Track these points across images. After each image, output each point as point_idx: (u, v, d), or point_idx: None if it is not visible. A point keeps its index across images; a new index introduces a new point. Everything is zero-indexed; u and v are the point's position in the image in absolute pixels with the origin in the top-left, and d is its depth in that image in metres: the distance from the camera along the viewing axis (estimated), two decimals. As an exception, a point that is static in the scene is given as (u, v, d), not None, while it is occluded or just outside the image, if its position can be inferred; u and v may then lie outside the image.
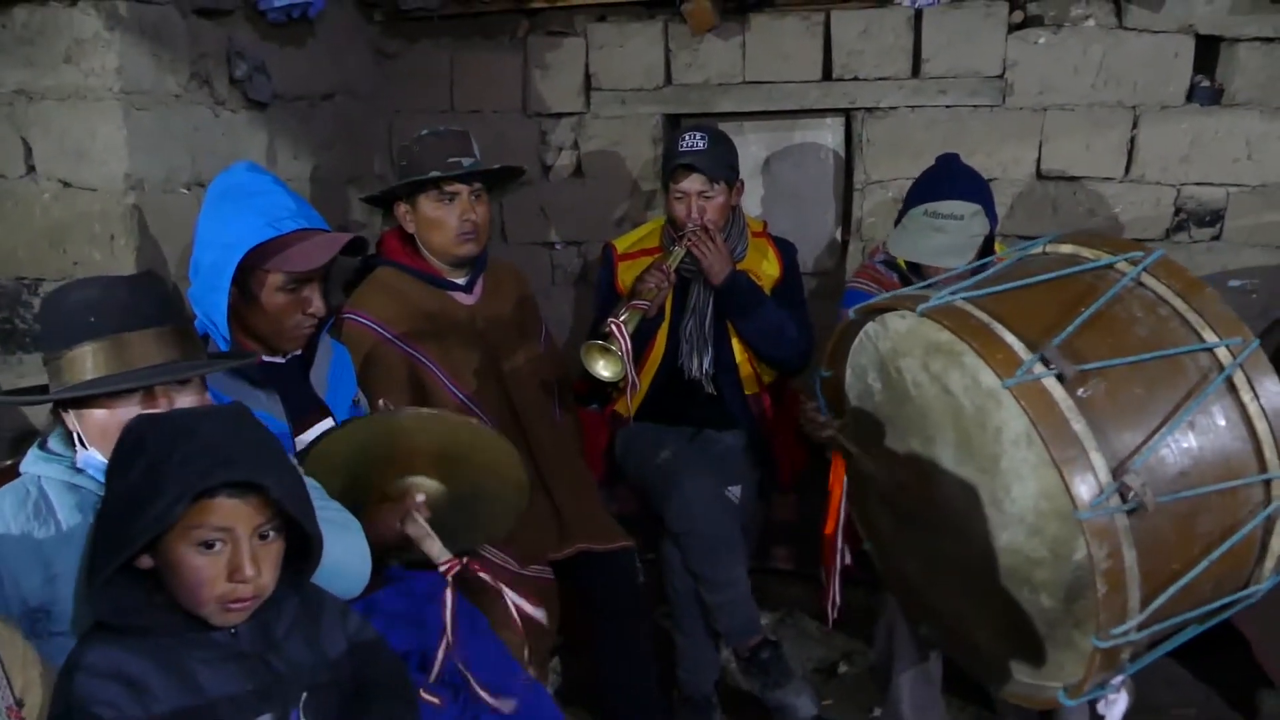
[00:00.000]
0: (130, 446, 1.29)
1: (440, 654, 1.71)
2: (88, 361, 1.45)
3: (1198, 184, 3.05)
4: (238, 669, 1.31)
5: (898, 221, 2.51)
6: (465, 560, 1.73)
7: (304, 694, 1.36)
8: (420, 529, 1.78)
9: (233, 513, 1.25)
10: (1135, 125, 3.04)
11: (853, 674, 2.78)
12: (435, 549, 1.75)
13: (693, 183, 2.56)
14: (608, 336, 2.34)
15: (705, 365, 2.68)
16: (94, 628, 1.30)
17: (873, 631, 2.16)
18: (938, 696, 2.14)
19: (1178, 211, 3.08)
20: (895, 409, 1.80)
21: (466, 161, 2.41)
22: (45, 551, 1.42)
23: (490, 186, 2.54)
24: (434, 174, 2.39)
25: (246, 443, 1.31)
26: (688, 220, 2.56)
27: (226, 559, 1.26)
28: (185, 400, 1.49)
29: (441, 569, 1.72)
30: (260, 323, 1.89)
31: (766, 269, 2.73)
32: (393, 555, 1.95)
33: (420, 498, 1.84)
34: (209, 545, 1.25)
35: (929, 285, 1.73)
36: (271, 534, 1.31)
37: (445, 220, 2.41)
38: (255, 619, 1.33)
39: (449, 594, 1.71)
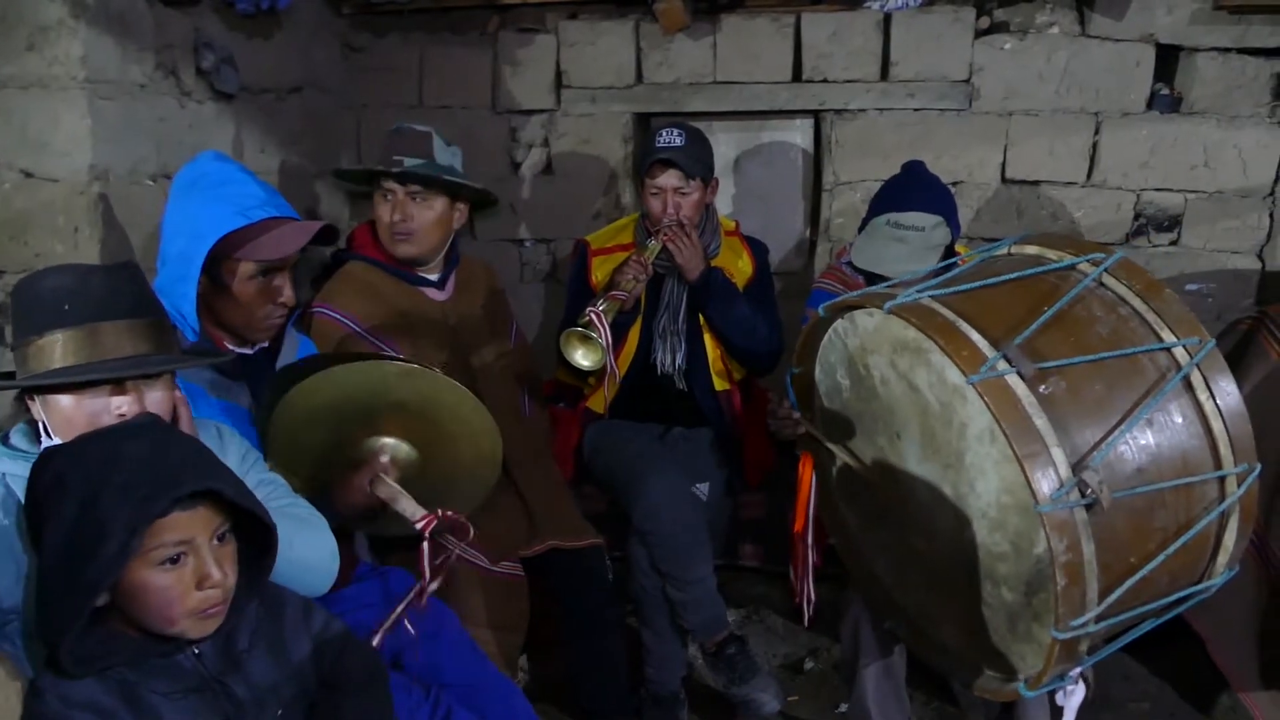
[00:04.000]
0: (50, 486, 1.24)
1: (412, 596, 1.69)
2: (57, 349, 1.42)
3: (1157, 190, 3.11)
4: (200, 702, 1.29)
5: (861, 228, 2.53)
6: (441, 513, 1.70)
7: (279, 712, 1.35)
8: (390, 489, 1.76)
9: (189, 524, 1.24)
10: (1097, 131, 3.11)
11: (819, 670, 2.80)
12: (409, 507, 1.73)
13: (669, 178, 2.57)
14: (588, 325, 2.34)
15: (678, 361, 2.69)
16: (51, 661, 1.27)
17: (839, 628, 2.19)
18: (902, 691, 2.16)
19: (1137, 217, 3.15)
20: (863, 406, 1.82)
21: (409, 162, 2.38)
22: (16, 550, 1.39)
23: (455, 194, 2.48)
24: (378, 168, 2.40)
25: (179, 454, 1.28)
26: (663, 216, 2.57)
27: (192, 569, 1.24)
28: (154, 394, 1.47)
29: (418, 526, 1.69)
30: (231, 313, 1.88)
31: (741, 267, 2.75)
32: (363, 525, 1.93)
33: (385, 458, 1.81)
34: (174, 561, 1.23)
35: (896, 284, 1.75)
36: (227, 533, 1.29)
37: (382, 217, 2.42)
38: (217, 634, 1.32)
39: (426, 547, 1.69)
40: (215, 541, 1.27)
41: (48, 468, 1.26)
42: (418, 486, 1.83)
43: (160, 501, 1.19)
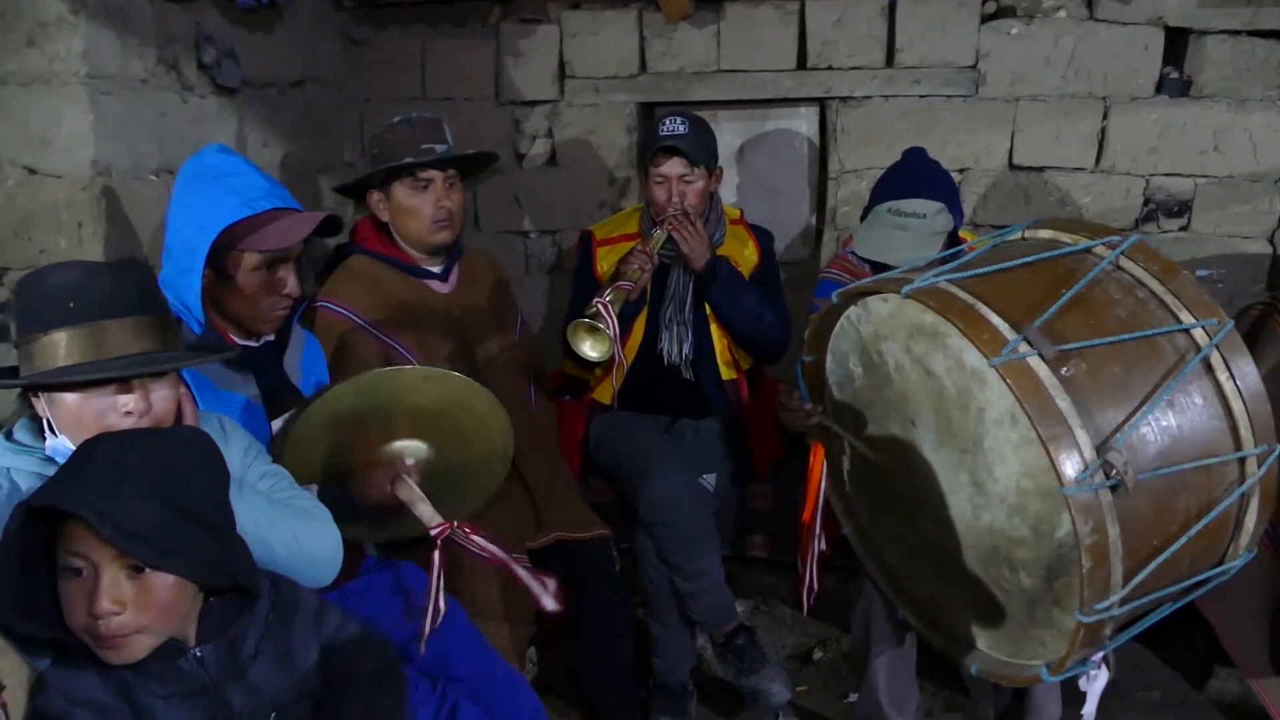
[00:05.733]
0: None
1: (427, 622, 1.70)
2: (62, 348, 1.40)
3: (1166, 175, 3.09)
4: (195, 707, 1.28)
5: (863, 216, 2.51)
6: (455, 524, 1.72)
7: (272, 714, 1.35)
8: (411, 492, 1.77)
9: (83, 540, 1.20)
10: (1105, 116, 3.08)
11: (827, 660, 2.80)
12: (426, 512, 1.74)
13: (673, 165, 2.55)
14: (595, 316, 2.33)
15: (685, 351, 2.67)
16: (62, 655, 1.28)
17: (848, 617, 2.17)
18: (913, 680, 2.15)
19: (1147, 202, 3.13)
20: (876, 394, 1.81)
21: (440, 148, 2.39)
22: None
23: (464, 174, 2.52)
24: (408, 160, 2.37)
25: (118, 469, 1.22)
26: (668, 205, 2.56)
27: (85, 590, 1.21)
28: (160, 391, 1.46)
29: (433, 533, 1.71)
30: (236, 304, 1.87)
31: (747, 255, 2.73)
32: (366, 530, 1.93)
33: (410, 460, 1.84)
34: (72, 572, 1.21)
35: (910, 269, 1.73)
36: (148, 569, 1.22)
37: (420, 208, 2.39)
38: (222, 638, 1.31)
39: (437, 556, 1.70)
40: (126, 572, 1.21)
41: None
42: (430, 485, 1.86)
43: (37, 497, 1.20)
